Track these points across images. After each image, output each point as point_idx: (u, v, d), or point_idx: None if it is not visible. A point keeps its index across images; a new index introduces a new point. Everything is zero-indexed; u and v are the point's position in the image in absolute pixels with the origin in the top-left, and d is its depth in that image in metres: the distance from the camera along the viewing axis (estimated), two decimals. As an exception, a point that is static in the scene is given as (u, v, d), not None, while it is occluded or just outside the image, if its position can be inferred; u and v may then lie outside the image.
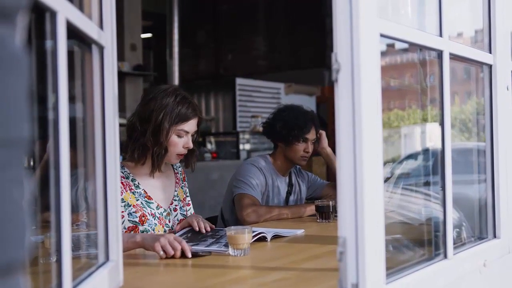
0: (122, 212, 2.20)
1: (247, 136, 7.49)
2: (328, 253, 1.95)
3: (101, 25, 1.36)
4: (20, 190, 0.59)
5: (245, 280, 1.68)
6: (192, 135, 2.33)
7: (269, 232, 2.21)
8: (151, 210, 2.29)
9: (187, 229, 2.24)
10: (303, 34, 9.18)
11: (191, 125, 2.30)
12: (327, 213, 2.69)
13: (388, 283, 1.24)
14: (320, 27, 8.68)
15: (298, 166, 3.20)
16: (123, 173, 2.28)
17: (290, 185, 3.15)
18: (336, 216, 2.66)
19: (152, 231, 2.25)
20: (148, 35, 10.01)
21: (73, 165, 1.05)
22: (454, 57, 1.59)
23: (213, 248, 1.99)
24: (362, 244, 1.15)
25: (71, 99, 1.09)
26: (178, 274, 1.78)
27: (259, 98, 8.09)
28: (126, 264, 1.51)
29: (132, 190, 2.27)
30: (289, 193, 3.13)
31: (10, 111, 0.57)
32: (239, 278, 1.69)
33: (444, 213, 1.53)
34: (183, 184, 2.50)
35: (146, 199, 2.30)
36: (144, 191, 2.30)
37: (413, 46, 1.60)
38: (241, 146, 7.38)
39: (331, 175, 3.69)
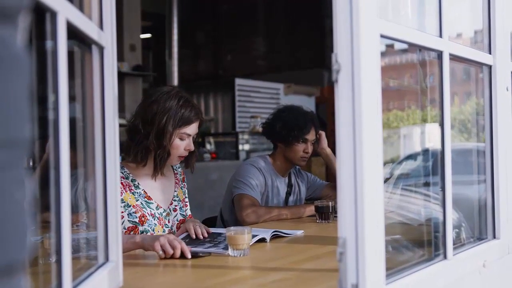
0: (122, 212, 2.20)
1: (246, 136, 7.49)
2: (327, 254, 1.95)
3: (101, 26, 1.36)
4: (21, 190, 0.59)
5: (245, 281, 1.67)
6: (193, 137, 2.34)
7: (267, 232, 2.21)
8: (151, 211, 2.29)
9: (185, 234, 2.23)
10: (302, 35, 9.18)
11: (193, 128, 2.31)
12: (326, 214, 2.69)
13: (388, 283, 1.24)
14: (319, 28, 8.68)
15: (297, 167, 3.20)
16: (122, 174, 2.28)
17: (289, 185, 3.15)
18: (335, 216, 2.66)
19: (152, 232, 2.25)
20: (148, 35, 10.01)
21: (73, 165, 1.05)
22: (454, 57, 1.59)
23: (213, 249, 1.99)
24: (362, 244, 1.15)
25: (71, 99, 1.09)
26: (178, 275, 1.78)
27: (259, 98, 8.09)
28: (125, 265, 1.51)
29: (132, 191, 2.27)
30: (288, 193, 3.13)
31: (11, 111, 0.57)
32: (238, 279, 1.69)
33: (443, 213, 1.53)
34: (182, 185, 2.50)
35: (146, 199, 2.30)
36: (144, 191, 2.31)
37: (413, 47, 1.60)
38: (240, 147, 7.37)
39: (330, 176, 3.69)
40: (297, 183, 3.20)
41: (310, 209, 2.86)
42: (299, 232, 2.39)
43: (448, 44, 1.55)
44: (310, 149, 3.02)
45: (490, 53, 1.84)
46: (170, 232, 2.34)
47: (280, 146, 3.05)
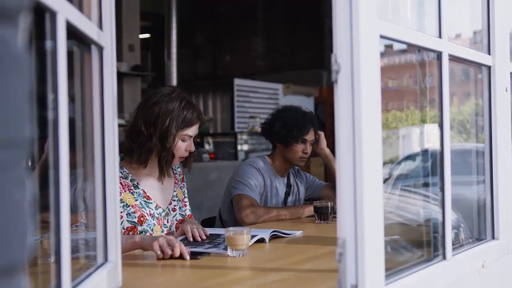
0: (121, 212, 2.20)
1: (245, 136, 7.48)
2: (327, 254, 1.95)
3: (100, 26, 1.36)
4: (21, 191, 0.59)
5: (244, 281, 1.67)
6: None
7: (267, 232, 2.21)
8: (150, 211, 2.29)
9: (184, 236, 2.23)
10: (301, 35, 9.18)
11: (195, 129, 2.32)
12: (325, 214, 2.69)
13: (387, 284, 1.24)
14: (318, 28, 8.68)
15: (296, 167, 3.20)
16: (122, 173, 2.28)
17: (288, 186, 3.14)
18: (334, 217, 2.66)
19: (151, 232, 2.25)
20: (146, 35, 10.00)
21: (72, 165, 1.05)
22: (453, 58, 1.59)
23: (213, 250, 1.99)
24: (362, 245, 1.15)
25: (70, 99, 1.09)
26: (177, 275, 1.78)
27: (257, 98, 8.08)
28: (124, 265, 1.51)
29: (131, 191, 2.27)
30: (287, 194, 3.13)
31: (11, 111, 0.57)
32: (238, 279, 1.69)
33: (442, 214, 1.53)
34: (182, 185, 2.51)
35: (145, 199, 2.30)
36: (143, 191, 2.31)
37: (412, 47, 1.60)
38: (239, 147, 7.37)
39: (329, 176, 3.69)
40: (296, 183, 3.20)
41: (309, 210, 2.85)
42: (298, 233, 2.39)
43: (448, 44, 1.55)
44: (309, 149, 3.02)
45: (489, 54, 1.84)
46: (169, 232, 2.34)
47: (279, 147, 3.05)
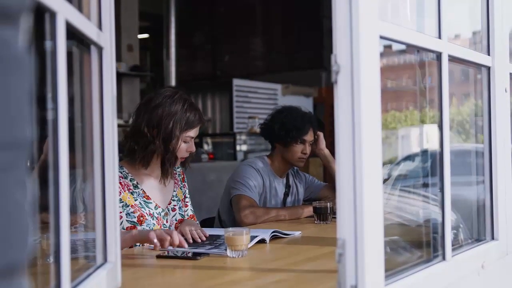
0: (120, 212, 2.20)
1: (244, 137, 7.48)
2: (326, 255, 1.95)
3: (100, 26, 1.36)
4: (23, 192, 0.59)
5: (244, 282, 1.67)
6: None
7: (267, 232, 2.21)
8: (149, 210, 2.29)
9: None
10: (300, 36, 9.18)
11: (196, 131, 2.35)
12: (325, 215, 2.69)
13: (387, 284, 1.24)
14: (317, 28, 8.68)
15: (295, 168, 3.20)
16: (121, 173, 2.28)
17: (287, 186, 3.14)
18: (334, 217, 2.65)
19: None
20: (145, 35, 10.01)
21: (71, 166, 1.05)
22: (453, 59, 1.59)
23: (214, 250, 1.99)
24: (361, 245, 1.15)
25: (70, 99, 1.08)
26: (176, 276, 1.78)
27: (256, 99, 8.08)
28: (124, 266, 1.51)
29: (131, 190, 2.28)
30: (286, 194, 3.13)
31: (13, 112, 0.57)
32: (237, 280, 1.69)
33: (442, 214, 1.53)
34: (182, 185, 2.51)
35: (144, 199, 2.30)
36: (143, 191, 2.31)
37: (411, 48, 1.60)
38: (238, 147, 7.36)
39: (328, 177, 3.69)
40: (295, 184, 3.20)
41: (308, 210, 2.85)
42: (297, 233, 2.39)
43: (447, 45, 1.55)
44: (308, 150, 3.02)
45: (489, 55, 1.84)
46: None
47: (278, 147, 3.05)
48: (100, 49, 1.35)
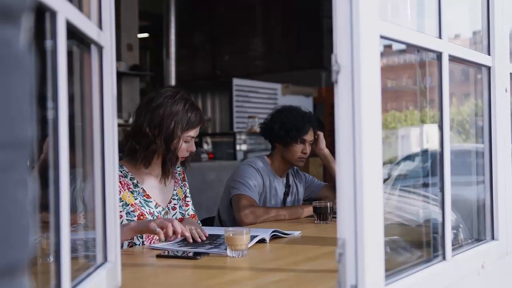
0: (120, 212, 2.20)
1: (243, 136, 7.48)
2: (326, 255, 1.95)
3: (100, 25, 1.36)
4: (24, 191, 0.59)
5: (244, 282, 1.67)
6: None
7: (267, 232, 2.21)
8: (149, 209, 2.29)
9: (183, 237, 2.22)
10: (300, 35, 9.18)
11: (197, 131, 2.36)
12: (324, 215, 2.69)
13: (387, 284, 1.24)
14: (317, 28, 8.68)
15: (295, 167, 3.20)
16: (121, 172, 2.28)
17: (287, 186, 3.14)
18: (334, 217, 2.65)
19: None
20: (145, 35, 10.00)
21: (71, 165, 1.05)
22: (453, 58, 1.59)
23: (215, 250, 1.99)
24: (362, 245, 1.14)
25: (70, 99, 1.08)
26: (176, 275, 1.78)
27: (256, 98, 8.08)
28: (124, 265, 1.51)
29: (131, 189, 2.28)
30: (286, 194, 3.13)
31: (14, 112, 0.57)
32: (237, 280, 1.69)
33: (442, 214, 1.53)
34: (182, 184, 2.52)
35: (145, 197, 2.31)
36: (143, 189, 2.32)
37: (411, 47, 1.60)
38: (237, 147, 7.37)
39: (328, 176, 3.69)
40: (295, 183, 3.20)
41: (308, 210, 2.85)
42: (297, 233, 2.38)
43: (448, 45, 1.55)
44: (308, 149, 3.02)
45: (489, 55, 1.84)
46: None
47: (278, 147, 3.05)
48: (100, 48, 1.35)
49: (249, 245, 1.98)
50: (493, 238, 1.84)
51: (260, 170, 2.99)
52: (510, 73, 1.94)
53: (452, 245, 1.55)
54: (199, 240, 2.13)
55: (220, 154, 7.42)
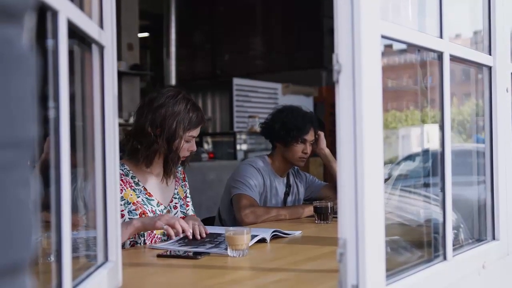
0: (122, 211, 2.21)
1: (244, 136, 7.48)
2: (327, 254, 1.95)
3: (101, 25, 1.36)
4: (26, 190, 0.59)
5: (244, 281, 1.67)
6: None
7: (267, 232, 2.21)
8: (152, 208, 2.30)
9: (183, 234, 2.23)
10: (300, 35, 9.18)
11: (198, 131, 2.38)
12: (325, 214, 2.69)
13: (388, 284, 1.24)
14: (317, 28, 8.68)
15: (296, 167, 3.20)
16: (122, 170, 2.29)
17: (288, 186, 3.14)
18: (334, 217, 2.66)
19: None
20: (145, 34, 10.00)
21: (72, 165, 1.05)
22: (454, 58, 1.59)
23: (215, 250, 1.99)
24: (363, 245, 1.14)
25: (71, 98, 1.08)
26: (177, 275, 1.78)
27: (256, 98, 8.08)
28: (125, 265, 1.51)
29: (133, 187, 2.29)
30: (287, 194, 3.13)
31: (17, 111, 0.57)
32: (238, 279, 1.69)
33: (443, 214, 1.53)
34: (183, 184, 2.52)
35: (147, 196, 2.32)
36: (145, 188, 2.33)
37: (412, 47, 1.60)
38: (238, 147, 7.37)
39: (328, 176, 3.69)
40: (296, 183, 3.20)
41: (309, 210, 2.85)
42: (298, 233, 2.38)
43: (449, 45, 1.55)
44: (309, 149, 3.02)
45: (490, 54, 1.84)
46: None
47: (279, 147, 3.05)
48: (101, 47, 1.35)
49: (249, 244, 1.97)
50: (493, 238, 1.84)
51: (261, 170, 2.99)
52: (511, 73, 1.94)
53: (453, 245, 1.55)
54: (199, 237, 2.14)
55: (221, 153, 7.42)
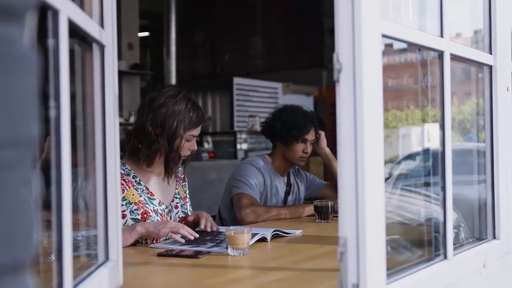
0: (124, 211, 2.21)
1: (244, 135, 7.48)
2: (327, 253, 1.95)
3: (101, 24, 1.36)
4: (27, 190, 0.59)
5: (245, 280, 1.67)
6: None
7: (268, 231, 2.21)
8: (153, 207, 2.31)
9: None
10: (300, 34, 9.18)
11: (199, 130, 2.38)
12: (326, 214, 2.69)
13: (388, 283, 1.24)
14: (317, 27, 8.68)
15: (296, 166, 3.20)
16: (124, 170, 2.30)
17: (288, 185, 3.14)
18: (335, 216, 2.66)
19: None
20: (146, 34, 10.00)
21: (73, 164, 1.05)
22: (454, 57, 1.59)
23: (216, 249, 1.99)
24: (363, 244, 1.15)
25: (72, 97, 1.08)
26: (178, 274, 1.78)
27: (257, 97, 8.08)
28: (126, 264, 1.51)
29: (135, 187, 2.30)
30: (287, 193, 3.13)
31: (19, 110, 0.57)
32: (238, 278, 1.69)
33: (444, 214, 1.53)
34: (183, 184, 2.53)
35: (148, 195, 2.32)
36: (146, 187, 2.33)
37: (412, 46, 1.60)
38: (238, 146, 7.37)
39: (329, 175, 3.69)
40: (296, 182, 3.20)
41: (309, 209, 2.85)
42: (298, 232, 2.39)
43: (449, 44, 1.55)
44: (309, 149, 3.02)
45: (490, 53, 1.84)
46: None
47: (279, 146, 3.05)
48: (102, 47, 1.35)
49: (250, 243, 1.98)
50: (494, 237, 1.84)
51: (261, 169, 2.99)
52: (512, 72, 1.94)
53: (454, 244, 1.55)
54: (209, 229, 2.29)
55: (221, 153, 7.42)
